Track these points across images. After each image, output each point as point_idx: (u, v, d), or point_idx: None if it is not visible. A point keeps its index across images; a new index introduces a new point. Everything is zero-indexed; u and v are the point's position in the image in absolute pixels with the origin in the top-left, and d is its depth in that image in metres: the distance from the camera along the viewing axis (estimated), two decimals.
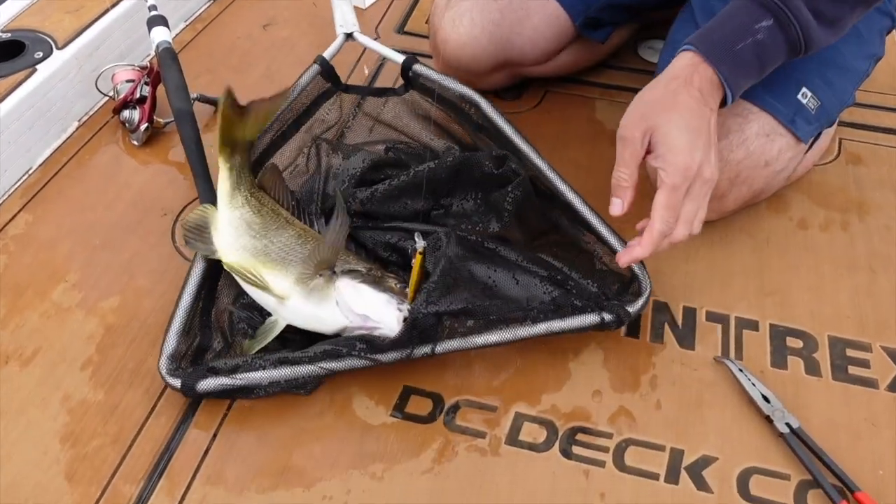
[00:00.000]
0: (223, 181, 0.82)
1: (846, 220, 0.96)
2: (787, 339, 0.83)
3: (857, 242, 0.93)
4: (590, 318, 0.79)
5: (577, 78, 1.15)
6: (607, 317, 0.79)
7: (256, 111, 0.85)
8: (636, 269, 0.82)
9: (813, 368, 0.81)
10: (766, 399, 0.77)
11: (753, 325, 0.85)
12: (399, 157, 0.94)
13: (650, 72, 1.04)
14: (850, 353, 0.82)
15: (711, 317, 0.85)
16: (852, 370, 0.80)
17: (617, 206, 0.75)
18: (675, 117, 0.73)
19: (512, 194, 0.85)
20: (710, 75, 0.75)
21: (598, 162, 1.03)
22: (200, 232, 0.80)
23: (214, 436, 0.73)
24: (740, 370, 0.79)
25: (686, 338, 0.83)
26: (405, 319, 0.74)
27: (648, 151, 0.74)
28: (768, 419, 0.75)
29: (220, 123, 0.82)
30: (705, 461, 0.73)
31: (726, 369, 0.80)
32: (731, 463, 0.73)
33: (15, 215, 0.92)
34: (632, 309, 0.80)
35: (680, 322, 0.85)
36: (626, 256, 0.76)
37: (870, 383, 0.79)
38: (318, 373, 0.74)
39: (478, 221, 0.86)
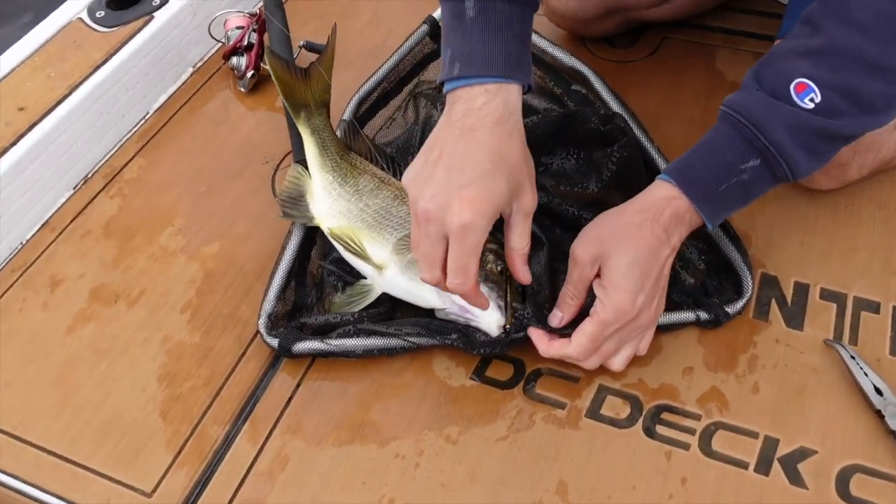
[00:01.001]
0: (308, 145, 0.82)
1: None
2: None
3: None
4: (684, 316, 0.75)
5: (698, 23, 1.06)
6: (703, 316, 0.75)
7: (316, 72, 0.83)
8: (740, 264, 0.77)
9: None
10: (878, 391, 0.70)
11: (874, 307, 0.77)
12: None
13: (781, 15, 0.95)
14: None
15: (826, 295, 0.78)
16: None
17: (555, 319, 0.71)
18: (630, 253, 0.68)
19: (617, 154, 0.80)
20: (684, 211, 0.69)
21: (712, 117, 0.93)
22: (296, 202, 0.80)
23: (298, 385, 0.75)
24: (852, 357, 0.72)
25: (795, 317, 0.77)
26: (505, 329, 0.72)
27: (598, 275, 0.69)
28: (879, 414, 0.69)
29: (279, 88, 0.82)
30: (802, 453, 0.68)
31: (837, 355, 0.73)
32: (831, 458, 0.68)
33: (130, 159, 0.97)
34: (731, 310, 0.75)
35: (790, 299, 0.79)
36: (543, 345, 0.71)
37: None
38: (409, 347, 0.75)
39: (577, 182, 0.82)
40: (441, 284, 0.66)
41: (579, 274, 0.70)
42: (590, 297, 0.70)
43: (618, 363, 0.71)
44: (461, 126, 0.64)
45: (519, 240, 0.68)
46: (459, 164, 0.63)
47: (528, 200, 0.67)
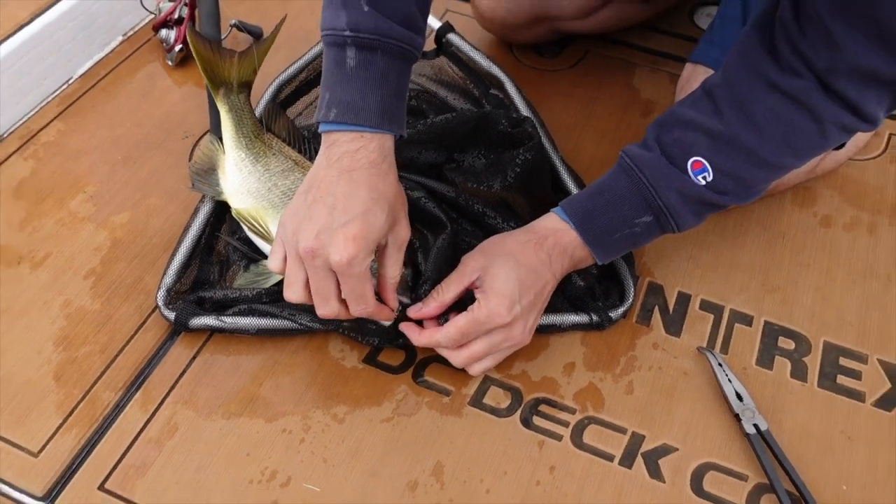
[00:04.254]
0: (225, 122, 0.84)
1: (874, 223, 0.91)
2: (780, 338, 0.81)
3: (880, 248, 0.89)
4: (571, 318, 0.80)
5: (621, 40, 1.11)
6: (586, 318, 0.80)
7: (249, 53, 0.85)
8: (625, 274, 0.82)
9: (800, 372, 0.79)
10: (739, 397, 0.75)
11: (747, 320, 0.82)
12: (420, 105, 0.94)
13: (697, 40, 1.00)
14: (844, 361, 0.79)
15: (705, 306, 0.84)
16: (841, 380, 0.78)
17: (413, 310, 0.74)
18: (512, 264, 0.72)
19: (522, 156, 0.84)
20: (567, 243, 0.75)
21: (624, 131, 1.01)
22: (207, 175, 0.82)
23: (194, 357, 0.77)
24: (720, 364, 0.78)
25: (674, 324, 0.82)
26: (397, 314, 0.74)
27: (475, 285, 0.73)
28: (737, 417, 0.74)
29: (199, 64, 0.83)
30: (664, 450, 0.73)
31: (707, 362, 0.78)
32: (689, 456, 0.73)
33: (49, 122, 0.97)
34: (613, 314, 0.80)
35: (671, 307, 0.84)
36: (415, 335, 0.74)
37: (856, 395, 0.77)
38: (301, 329, 0.77)
39: (484, 181, 0.86)
40: (341, 314, 0.68)
41: (457, 276, 0.73)
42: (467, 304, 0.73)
43: (478, 369, 0.75)
44: (339, 168, 0.66)
45: (392, 270, 0.70)
46: (342, 203, 0.65)
47: (403, 233, 0.70)
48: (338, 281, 0.66)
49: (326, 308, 0.68)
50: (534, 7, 1.00)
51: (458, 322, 0.71)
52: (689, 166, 0.72)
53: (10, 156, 0.93)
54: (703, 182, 0.72)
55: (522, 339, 0.74)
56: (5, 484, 0.69)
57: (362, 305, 0.68)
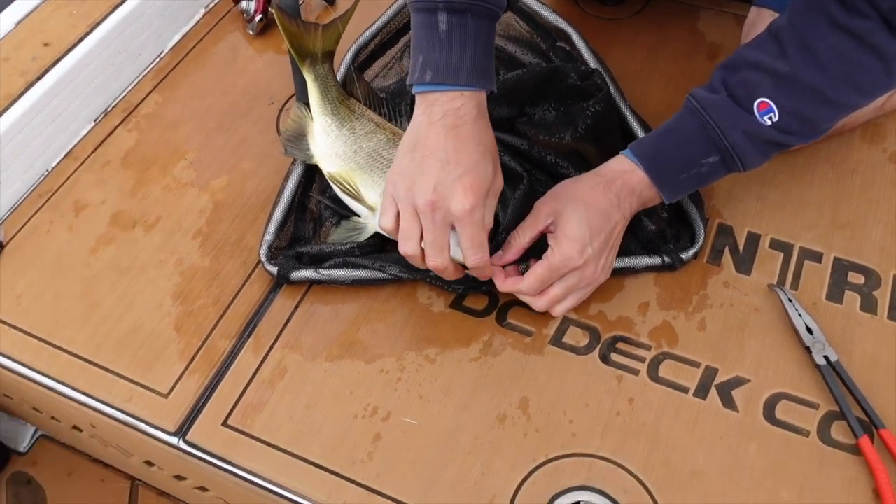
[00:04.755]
0: (311, 90, 0.89)
1: None
2: (850, 273, 0.84)
3: None
4: (644, 261, 0.84)
5: None
6: (658, 260, 0.84)
7: (333, 25, 0.90)
8: (695, 216, 0.85)
9: (869, 305, 0.82)
10: (809, 331, 0.79)
11: (817, 257, 0.85)
12: None
13: None
14: None
15: (775, 244, 0.87)
16: None
17: (496, 258, 0.79)
18: (582, 209, 0.76)
19: (592, 108, 0.87)
20: (635, 184, 0.78)
21: (690, 76, 1.03)
22: (297, 140, 0.88)
23: (296, 307, 0.84)
24: (790, 300, 0.81)
25: (744, 263, 0.86)
26: None
27: (549, 230, 0.78)
28: (808, 350, 0.78)
29: (286, 39, 0.88)
30: (737, 381, 0.78)
31: (777, 298, 0.82)
32: (761, 386, 0.77)
33: (147, 95, 1.04)
34: (684, 256, 0.84)
35: (741, 247, 0.87)
36: (499, 281, 0.79)
37: None
38: (391, 279, 0.84)
39: (555, 133, 0.90)
40: (450, 267, 0.74)
41: (532, 222, 0.78)
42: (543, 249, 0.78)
43: (559, 310, 0.80)
44: (443, 125, 0.71)
45: (488, 216, 0.75)
46: (454, 157, 0.70)
47: (499, 182, 0.75)
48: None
49: (439, 259, 0.73)
50: None
51: (536, 270, 0.77)
52: (754, 107, 0.74)
53: (115, 128, 1.01)
54: (769, 122, 0.74)
55: (597, 278, 0.79)
56: (142, 422, 0.78)
57: (479, 254, 0.73)
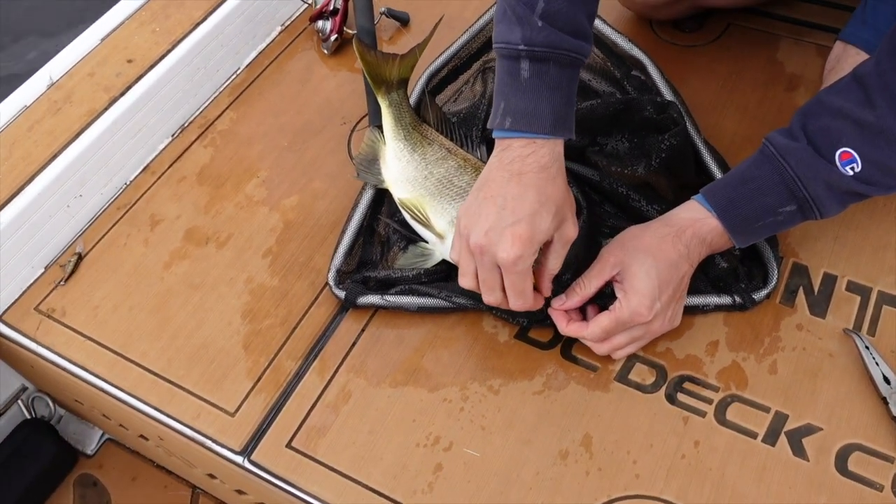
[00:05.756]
0: (385, 115, 0.90)
1: None
2: None
3: None
4: (714, 300, 0.82)
5: (763, 10, 1.09)
6: (729, 300, 0.82)
7: (408, 55, 0.91)
8: (769, 256, 0.83)
9: None
10: (886, 380, 0.76)
11: None
12: None
13: (853, 8, 0.97)
14: None
15: (852, 287, 0.84)
16: None
17: (558, 302, 0.79)
18: (650, 262, 0.75)
19: (668, 142, 0.86)
20: (706, 233, 0.76)
21: (768, 107, 1.00)
22: (370, 164, 0.89)
23: (362, 331, 0.85)
24: (867, 346, 0.79)
25: (819, 305, 0.83)
26: (547, 301, 0.79)
27: (616, 280, 0.77)
28: (884, 401, 0.76)
29: (363, 69, 0.89)
30: (808, 429, 0.75)
31: (853, 343, 0.80)
32: (834, 436, 0.75)
33: (223, 111, 1.07)
34: (756, 296, 0.82)
35: (816, 288, 0.85)
36: (562, 324, 0.79)
37: None
38: (456, 309, 0.84)
39: (628, 164, 0.89)
40: (503, 303, 0.75)
41: (598, 271, 0.78)
42: (607, 294, 0.78)
43: (621, 354, 0.80)
44: (510, 170, 0.71)
45: (554, 262, 0.75)
46: (511, 204, 0.70)
47: (570, 231, 0.75)
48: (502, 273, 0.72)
49: (492, 297, 0.75)
50: None
51: (602, 322, 0.76)
52: (836, 157, 0.72)
53: (191, 144, 1.04)
54: (851, 173, 0.72)
55: (663, 330, 0.78)
56: (209, 439, 0.79)
57: (521, 300, 0.74)
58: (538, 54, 0.69)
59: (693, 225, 0.77)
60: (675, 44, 1.09)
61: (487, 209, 0.71)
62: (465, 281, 0.75)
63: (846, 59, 0.86)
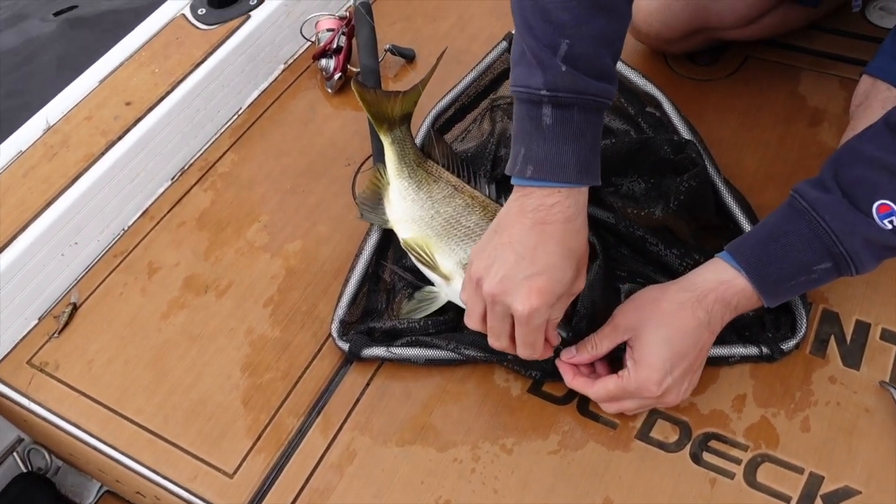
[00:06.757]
0: (388, 153, 0.87)
1: None
2: None
3: None
4: (740, 351, 0.78)
5: (783, 42, 1.06)
6: (756, 351, 0.77)
7: (410, 92, 0.88)
8: (797, 303, 0.79)
9: None
10: None
11: None
12: None
13: (879, 39, 0.94)
14: None
15: (887, 336, 0.79)
16: None
17: (567, 354, 0.75)
18: (664, 333, 0.70)
19: (686, 183, 0.82)
20: (731, 296, 0.71)
21: (790, 144, 0.96)
22: (374, 205, 0.86)
23: (368, 384, 0.81)
24: None
25: (852, 355, 0.78)
26: (556, 350, 0.75)
27: (629, 343, 0.72)
28: None
29: (364, 107, 0.87)
30: (846, 493, 0.70)
31: (890, 397, 0.75)
32: (874, 499, 0.70)
33: (224, 153, 1.04)
34: (785, 347, 0.77)
35: (849, 337, 0.80)
36: (568, 377, 0.75)
37: None
38: (466, 361, 0.80)
39: (645, 206, 0.85)
40: (510, 350, 0.71)
41: (609, 331, 0.73)
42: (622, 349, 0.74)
43: (629, 413, 0.75)
44: (533, 218, 0.67)
45: (557, 312, 0.70)
46: (531, 254, 0.66)
47: (579, 285, 0.71)
48: (513, 323, 0.68)
49: (498, 343, 0.71)
50: (691, 19, 0.97)
51: (608, 385, 0.72)
52: (874, 210, 0.67)
53: (191, 187, 1.00)
54: (890, 227, 0.67)
55: (677, 402, 0.73)
56: (207, 503, 0.75)
57: (529, 351, 0.70)
58: (562, 100, 0.65)
59: (717, 288, 0.72)
60: (690, 78, 1.05)
61: (504, 255, 0.67)
62: (471, 322, 0.71)
63: (875, 94, 0.82)
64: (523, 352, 0.70)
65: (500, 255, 0.67)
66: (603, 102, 0.67)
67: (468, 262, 0.72)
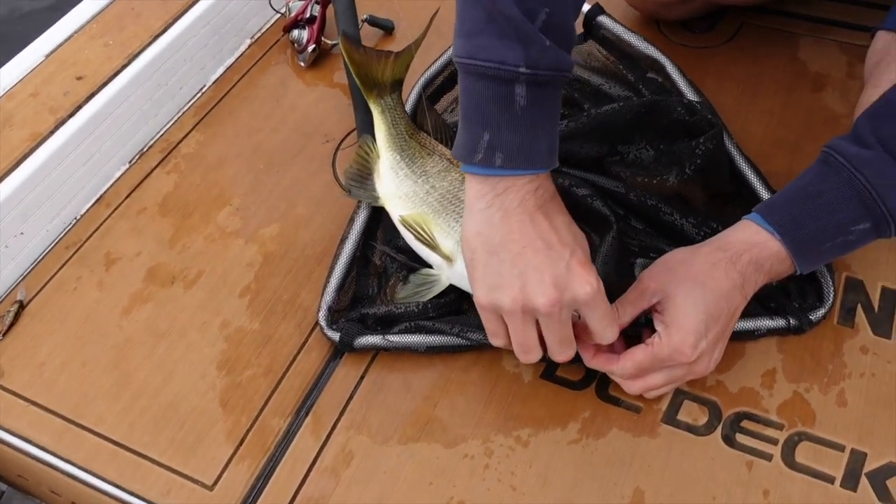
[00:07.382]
0: (378, 123, 0.79)
1: None
2: None
3: None
4: (766, 324, 0.72)
5: (779, 9, 1.01)
6: (783, 322, 0.72)
7: (403, 52, 0.81)
8: (821, 269, 0.74)
9: None
10: None
11: None
12: (572, 94, 0.87)
13: (876, 4, 0.90)
14: None
15: None
16: None
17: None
18: (699, 293, 0.64)
19: (703, 146, 0.76)
20: (765, 258, 0.66)
21: (795, 110, 0.92)
22: (362, 179, 0.78)
23: (362, 377, 0.73)
24: None
25: (882, 324, 0.73)
26: None
27: (656, 309, 0.66)
28: None
29: (351, 69, 0.79)
30: (891, 469, 0.65)
31: None
32: None
33: (188, 134, 0.94)
34: (813, 317, 0.72)
35: (876, 305, 0.75)
36: (588, 356, 0.69)
37: None
38: (472, 347, 0.73)
39: (656, 173, 0.78)
40: (538, 354, 0.65)
41: (635, 297, 0.66)
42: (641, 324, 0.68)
43: (652, 395, 0.69)
44: (525, 210, 0.60)
45: None
46: (553, 237, 0.61)
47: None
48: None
49: (570, 352, 0.65)
50: None
51: (637, 357, 0.65)
52: None
53: (152, 170, 0.91)
54: None
55: (707, 372, 0.67)
56: None
57: (615, 328, 0.64)
58: (541, 78, 0.57)
59: (750, 249, 0.66)
60: (686, 45, 1.00)
61: (531, 262, 0.60)
62: (532, 355, 0.65)
63: (894, 51, 0.78)
64: (611, 333, 0.64)
65: (527, 266, 0.60)
66: (568, 76, 0.61)
67: (480, 305, 0.64)
